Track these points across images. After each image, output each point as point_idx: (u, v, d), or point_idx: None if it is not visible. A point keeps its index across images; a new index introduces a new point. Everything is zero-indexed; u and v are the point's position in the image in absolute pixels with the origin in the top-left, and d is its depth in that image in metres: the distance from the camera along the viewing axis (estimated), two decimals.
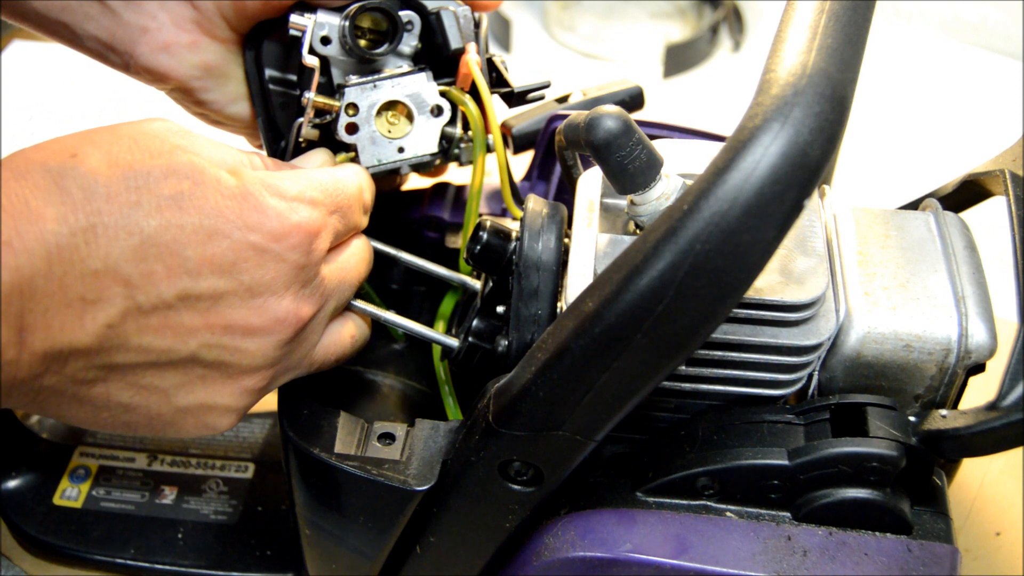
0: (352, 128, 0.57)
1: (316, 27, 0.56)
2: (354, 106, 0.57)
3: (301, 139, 0.58)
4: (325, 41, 0.57)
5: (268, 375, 0.46)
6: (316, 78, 0.57)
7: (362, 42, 0.57)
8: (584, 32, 1.46)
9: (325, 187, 0.48)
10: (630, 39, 1.44)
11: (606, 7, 1.49)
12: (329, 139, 0.59)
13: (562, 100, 0.69)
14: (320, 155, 0.55)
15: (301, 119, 0.57)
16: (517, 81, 0.63)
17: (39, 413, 0.44)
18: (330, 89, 0.58)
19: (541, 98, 0.65)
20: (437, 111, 0.58)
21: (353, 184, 0.50)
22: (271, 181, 0.45)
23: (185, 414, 0.45)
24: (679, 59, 1.36)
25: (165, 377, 0.43)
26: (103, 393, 0.42)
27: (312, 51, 0.56)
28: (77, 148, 0.40)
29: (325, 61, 0.58)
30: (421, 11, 0.58)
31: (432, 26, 0.58)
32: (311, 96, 0.56)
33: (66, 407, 0.42)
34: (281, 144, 0.61)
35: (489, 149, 0.60)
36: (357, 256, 0.51)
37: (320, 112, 0.57)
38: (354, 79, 0.57)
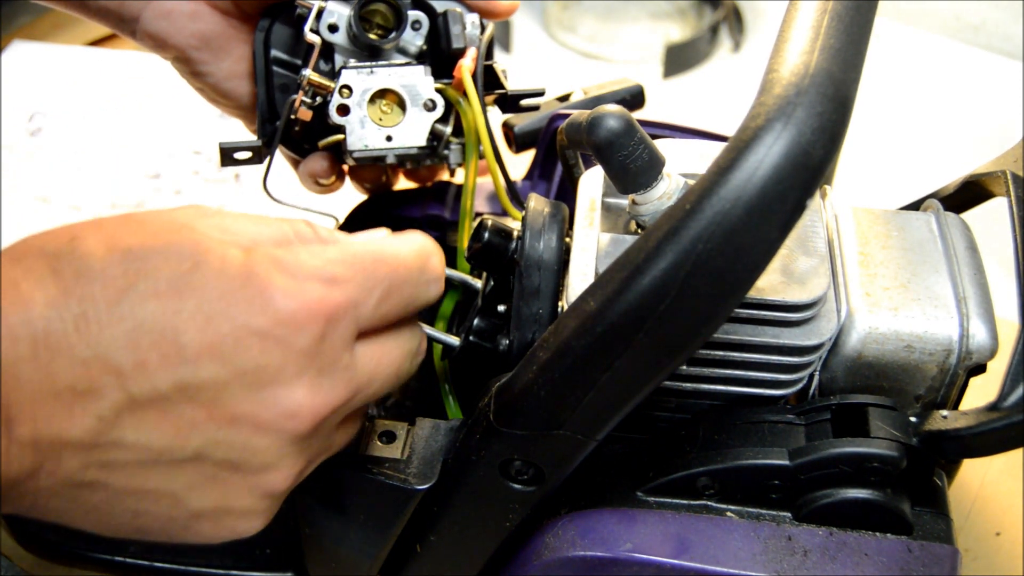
0: (344, 110, 0.58)
1: (326, 13, 0.57)
2: (348, 88, 0.57)
3: (294, 116, 0.59)
4: (333, 28, 0.58)
5: (289, 475, 0.41)
6: (315, 56, 0.58)
7: (370, 35, 0.58)
8: (584, 32, 1.46)
9: (357, 260, 0.41)
10: (630, 39, 1.45)
11: (606, 7, 1.49)
12: (323, 123, 0.59)
13: (563, 99, 0.70)
14: (381, 231, 0.47)
15: (295, 96, 0.58)
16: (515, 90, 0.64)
17: (46, 518, 0.39)
18: (333, 77, 0.58)
19: (536, 108, 0.66)
20: (430, 105, 0.58)
21: (407, 252, 0.43)
22: (285, 257, 0.39)
23: (201, 519, 0.41)
24: (679, 59, 1.36)
25: (172, 479, 0.39)
26: (106, 500, 0.38)
27: (318, 36, 0.57)
28: (79, 231, 0.37)
29: (330, 48, 0.59)
30: (430, 12, 0.59)
31: (439, 28, 0.59)
32: (307, 73, 0.57)
33: (70, 514, 0.39)
34: (276, 124, 0.62)
35: (480, 156, 0.61)
36: (402, 351, 0.44)
37: (316, 94, 0.57)
38: (353, 63, 0.58)
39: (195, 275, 0.37)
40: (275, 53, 0.61)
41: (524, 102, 0.65)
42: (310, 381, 0.39)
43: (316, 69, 0.59)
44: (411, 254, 0.43)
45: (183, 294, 0.37)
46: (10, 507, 0.37)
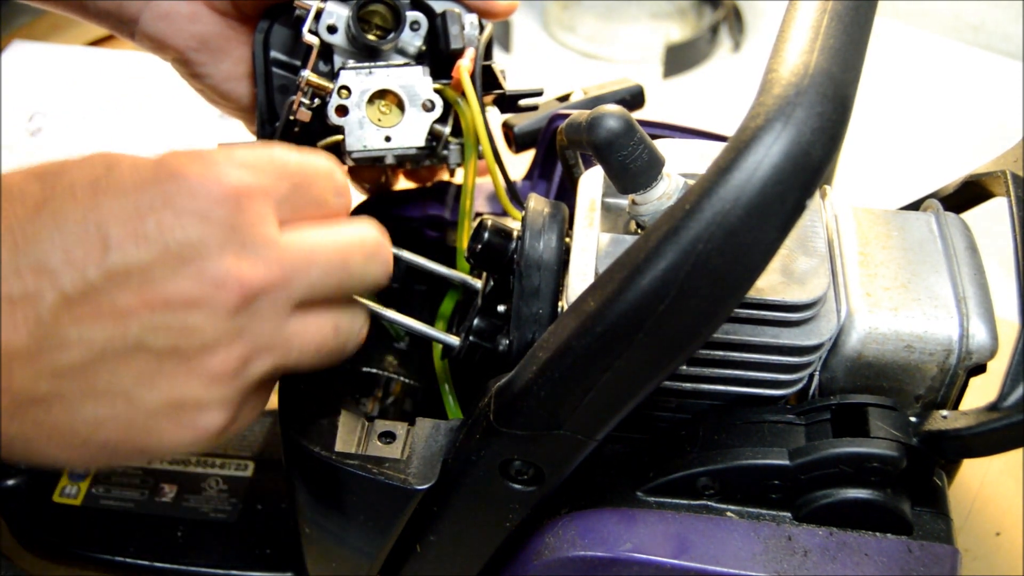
0: (342, 111, 0.58)
1: (325, 15, 0.57)
2: (347, 89, 0.57)
3: (293, 117, 0.59)
4: (332, 30, 0.58)
5: (232, 356, 0.41)
6: (314, 57, 0.58)
7: (369, 36, 0.58)
8: (584, 32, 1.46)
9: (269, 156, 0.43)
10: (630, 39, 1.45)
11: (606, 7, 1.49)
12: (322, 124, 0.59)
13: (563, 99, 0.70)
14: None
15: (295, 97, 0.58)
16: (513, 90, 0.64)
17: (12, 458, 0.41)
18: (332, 78, 0.59)
19: (534, 108, 0.66)
20: (429, 106, 0.58)
21: (316, 162, 0.45)
22: (197, 152, 0.42)
23: (159, 417, 0.41)
24: (679, 59, 1.37)
25: (119, 374, 0.40)
26: (63, 413, 0.40)
27: (317, 37, 0.58)
28: (3, 174, 0.40)
29: (329, 49, 0.59)
30: (429, 12, 0.59)
31: (437, 28, 0.59)
32: (306, 74, 0.57)
33: (35, 444, 0.40)
34: (275, 125, 0.62)
35: (480, 156, 0.61)
36: (342, 240, 0.45)
37: (315, 95, 0.58)
38: (351, 63, 0.58)
39: (110, 176, 0.39)
40: (274, 54, 0.61)
41: (522, 102, 0.65)
42: (234, 251, 0.40)
43: (315, 70, 0.59)
44: (318, 162, 0.45)
45: (100, 192, 0.39)
46: None
